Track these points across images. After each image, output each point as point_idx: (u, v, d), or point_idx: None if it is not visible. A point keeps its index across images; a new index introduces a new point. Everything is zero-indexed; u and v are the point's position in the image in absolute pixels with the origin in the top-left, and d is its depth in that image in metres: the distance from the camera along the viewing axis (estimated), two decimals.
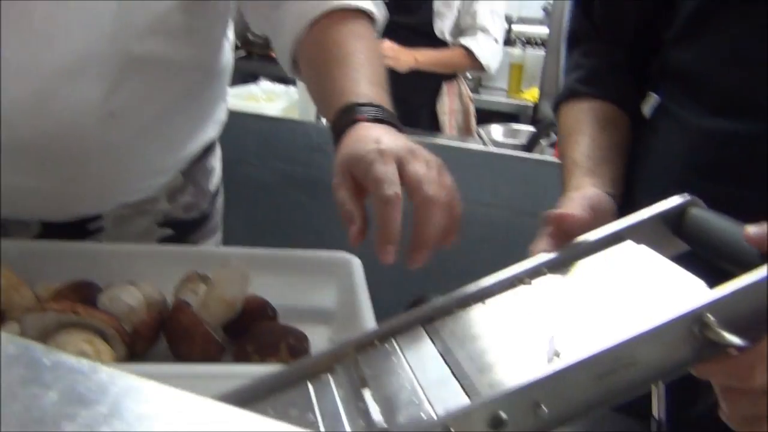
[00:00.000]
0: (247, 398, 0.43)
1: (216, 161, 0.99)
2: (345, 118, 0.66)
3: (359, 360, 0.44)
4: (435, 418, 0.37)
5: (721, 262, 0.44)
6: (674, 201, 0.48)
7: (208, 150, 0.95)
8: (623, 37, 0.73)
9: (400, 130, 0.65)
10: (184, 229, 0.95)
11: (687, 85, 0.66)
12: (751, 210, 0.45)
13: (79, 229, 0.87)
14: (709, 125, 0.62)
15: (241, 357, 0.66)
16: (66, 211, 0.86)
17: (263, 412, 0.42)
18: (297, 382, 0.44)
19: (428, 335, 0.44)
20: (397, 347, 0.44)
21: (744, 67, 0.60)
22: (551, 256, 0.48)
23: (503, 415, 0.36)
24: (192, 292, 0.72)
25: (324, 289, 0.80)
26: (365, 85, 0.69)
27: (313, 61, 0.77)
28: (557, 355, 0.38)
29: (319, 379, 0.44)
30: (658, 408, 0.49)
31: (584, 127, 0.69)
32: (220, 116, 0.95)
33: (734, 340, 0.37)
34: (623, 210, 0.53)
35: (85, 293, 0.70)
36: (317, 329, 0.74)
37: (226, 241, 1.04)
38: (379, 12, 0.80)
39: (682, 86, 0.67)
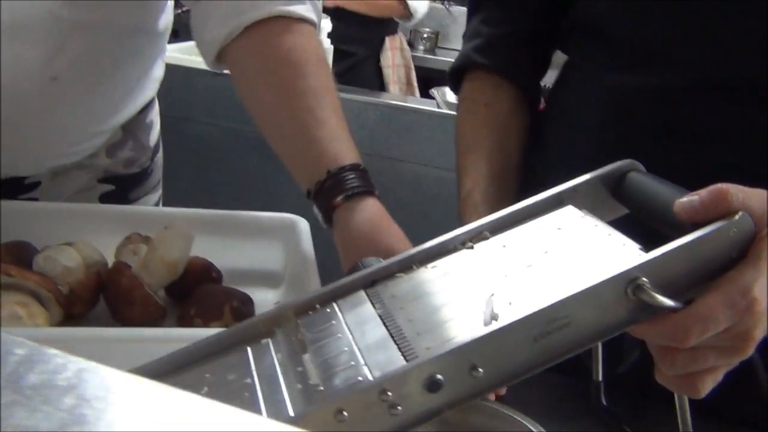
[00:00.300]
0: (184, 363, 0.42)
1: (155, 116, 0.97)
2: (344, 183, 0.66)
3: (299, 324, 0.43)
4: (371, 380, 0.36)
5: (657, 225, 0.45)
6: (614, 165, 0.49)
7: (146, 106, 0.93)
8: (527, 3, 0.72)
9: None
10: (125, 185, 0.93)
11: (598, 41, 0.66)
12: (667, 162, 0.46)
13: (15, 184, 0.84)
14: (622, 79, 0.62)
15: (184, 320, 0.65)
16: (2, 172, 0.83)
17: (200, 376, 0.42)
18: (236, 346, 0.43)
19: (369, 299, 0.44)
20: (337, 311, 0.44)
21: (653, 19, 0.60)
22: (493, 218, 0.48)
23: (439, 377, 0.36)
24: (133, 254, 0.70)
25: (270, 251, 0.79)
26: (347, 140, 0.70)
27: (268, 78, 0.73)
28: (495, 318, 0.39)
29: (259, 343, 0.43)
30: (594, 369, 0.50)
31: (482, 146, 0.69)
32: (159, 74, 0.93)
33: (667, 302, 0.38)
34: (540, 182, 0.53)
35: (20, 254, 0.67)
36: (263, 292, 0.73)
37: (172, 202, 1.01)
38: (317, 15, 0.76)
39: (593, 42, 0.66)
